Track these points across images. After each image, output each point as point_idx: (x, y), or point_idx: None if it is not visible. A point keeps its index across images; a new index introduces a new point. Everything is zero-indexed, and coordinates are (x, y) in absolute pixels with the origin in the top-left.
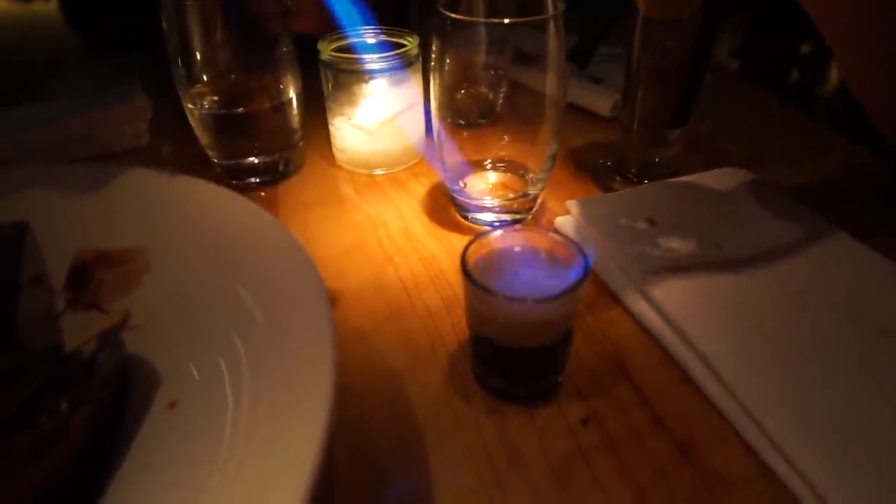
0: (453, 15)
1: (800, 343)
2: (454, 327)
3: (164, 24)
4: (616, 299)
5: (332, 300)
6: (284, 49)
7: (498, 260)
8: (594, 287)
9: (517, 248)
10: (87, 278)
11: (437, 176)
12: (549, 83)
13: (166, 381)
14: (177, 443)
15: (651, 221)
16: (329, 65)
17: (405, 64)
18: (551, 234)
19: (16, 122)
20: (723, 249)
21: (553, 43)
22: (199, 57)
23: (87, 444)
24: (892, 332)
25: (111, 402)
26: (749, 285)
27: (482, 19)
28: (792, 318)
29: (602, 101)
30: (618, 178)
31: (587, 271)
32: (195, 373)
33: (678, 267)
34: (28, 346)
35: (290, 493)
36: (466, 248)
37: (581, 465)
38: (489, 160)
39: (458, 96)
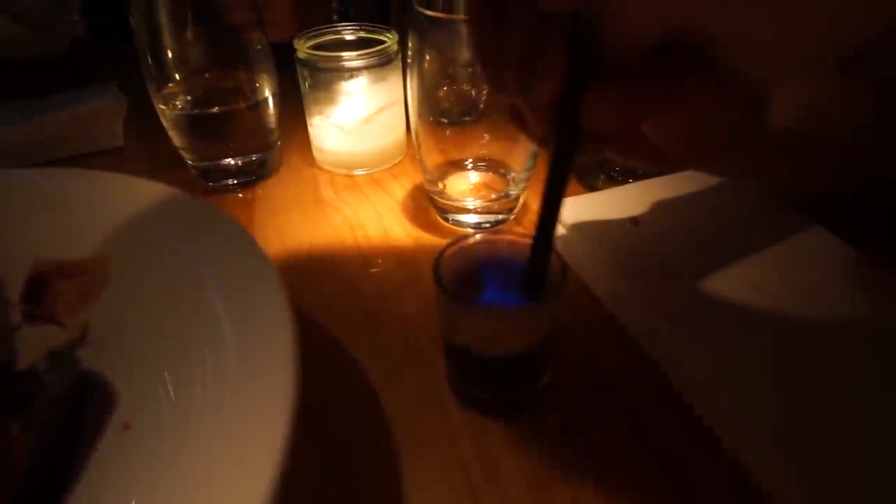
0: (428, 12)
1: (782, 351)
2: (431, 335)
3: (132, 21)
4: (599, 303)
5: (308, 308)
6: (259, 46)
7: (474, 267)
8: (577, 289)
9: (494, 255)
10: (44, 290)
11: (418, 176)
12: None
13: (124, 399)
14: (132, 467)
15: (635, 222)
16: (306, 63)
17: (384, 61)
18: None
19: None
20: (710, 249)
21: None
22: (170, 55)
23: (32, 471)
24: (858, 324)
25: (62, 423)
26: (732, 286)
27: (457, 16)
28: (776, 324)
29: None
30: (602, 176)
31: (560, 284)
32: (154, 391)
33: (661, 268)
34: None
35: None
36: (440, 255)
37: (559, 480)
38: (470, 159)
39: (440, 94)
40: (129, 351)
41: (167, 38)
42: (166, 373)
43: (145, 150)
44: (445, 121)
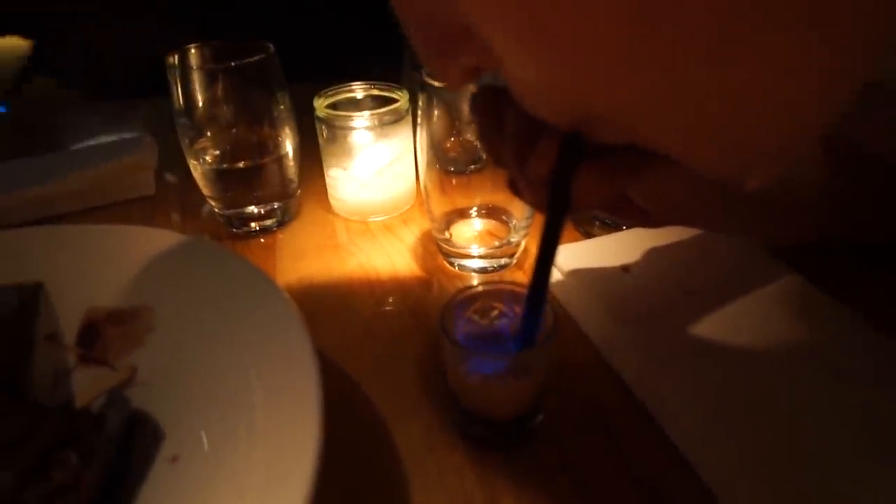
0: (437, 83)
1: (764, 392)
2: (439, 375)
3: (171, 87)
4: (592, 345)
5: (327, 349)
6: (282, 106)
7: (476, 316)
8: (573, 334)
9: (494, 305)
10: (96, 336)
11: (426, 223)
12: None
13: (169, 435)
14: (178, 496)
15: (625, 269)
16: (324, 120)
17: (396, 119)
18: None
19: (26, 174)
20: (693, 296)
21: None
22: (202, 115)
23: (96, 498)
24: (844, 374)
25: (117, 457)
26: (713, 331)
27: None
28: (751, 366)
29: None
30: (597, 223)
31: (552, 335)
32: (195, 427)
33: (649, 314)
34: (41, 401)
35: None
36: (445, 306)
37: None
38: (474, 207)
39: (447, 145)
40: (172, 391)
41: (200, 100)
42: (206, 410)
43: (175, 197)
44: (452, 169)
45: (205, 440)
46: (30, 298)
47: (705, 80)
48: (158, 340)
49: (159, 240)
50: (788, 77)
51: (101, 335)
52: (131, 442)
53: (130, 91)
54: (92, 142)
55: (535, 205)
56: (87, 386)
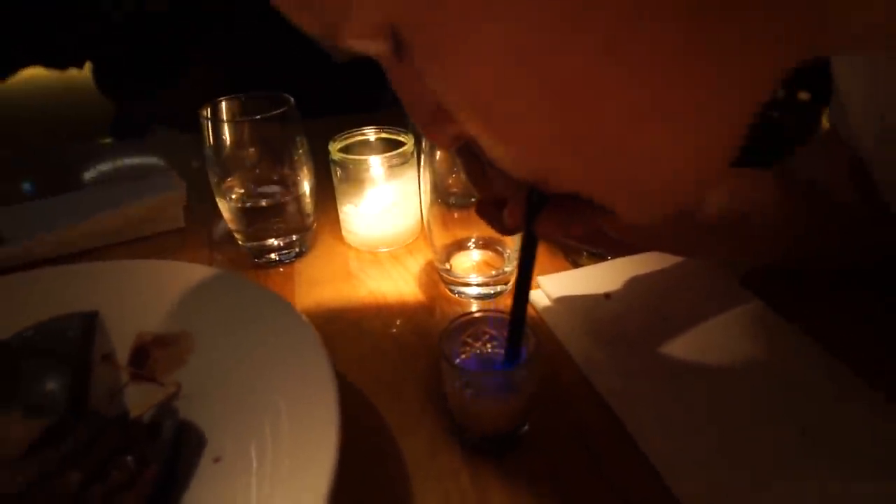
0: None
1: (726, 408)
2: (439, 391)
3: (203, 134)
4: (576, 365)
5: (341, 366)
6: (301, 150)
7: (470, 340)
8: (559, 354)
9: (486, 330)
10: (145, 357)
11: (430, 253)
12: None
13: (211, 440)
14: (221, 491)
15: (607, 296)
16: (338, 163)
17: (402, 161)
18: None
19: (66, 211)
20: (668, 321)
21: None
22: (229, 158)
23: (152, 496)
24: (818, 438)
25: (169, 458)
26: (688, 353)
27: None
28: (722, 384)
29: None
30: (585, 254)
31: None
32: (234, 433)
33: (626, 337)
34: (101, 414)
35: None
36: (444, 331)
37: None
38: (473, 239)
39: (449, 181)
40: (212, 403)
41: (229, 146)
42: (241, 419)
43: (202, 230)
44: (453, 202)
45: (241, 444)
46: (88, 325)
47: (606, 161)
48: (199, 360)
49: (196, 273)
50: (670, 154)
51: (149, 356)
52: (179, 446)
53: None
54: (125, 178)
55: (505, 232)
56: (139, 400)
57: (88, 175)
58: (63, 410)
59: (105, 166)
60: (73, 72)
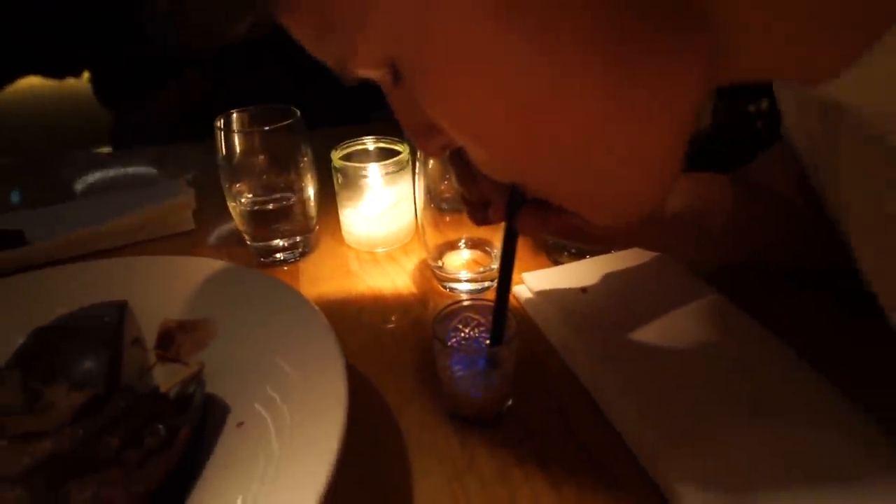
0: None
1: (682, 384)
2: (432, 372)
3: (217, 143)
4: (555, 350)
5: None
6: (305, 158)
7: (460, 324)
8: (539, 340)
9: (473, 316)
10: (170, 340)
11: (423, 253)
12: None
13: (233, 409)
14: (244, 451)
15: (584, 290)
16: (339, 169)
17: (399, 168)
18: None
19: (86, 214)
20: (636, 312)
21: None
22: (239, 165)
23: (185, 453)
24: (765, 413)
25: (199, 424)
26: (648, 338)
27: None
28: (679, 364)
29: None
30: (566, 253)
31: (514, 337)
32: (253, 402)
33: (599, 326)
34: (134, 388)
35: (311, 488)
36: (437, 316)
37: (520, 475)
38: (462, 240)
39: (441, 188)
40: (232, 379)
41: (239, 153)
42: (259, 390)
43: (210, 232)
44: (445, 207)
45: (261, 411)
46: (119, 312)
47: (568, 177)
48: (219, 343)
49: (214, 267)
50: (617, 173)
51: (174, 340)
52: (206, 414)
53: (165, 139)
54: (128, 185)
55: (482, 224)
56: (166, 378)
57: (91, 183)
58: (102, 384)
59: (106, 174)
60: (70, 81)
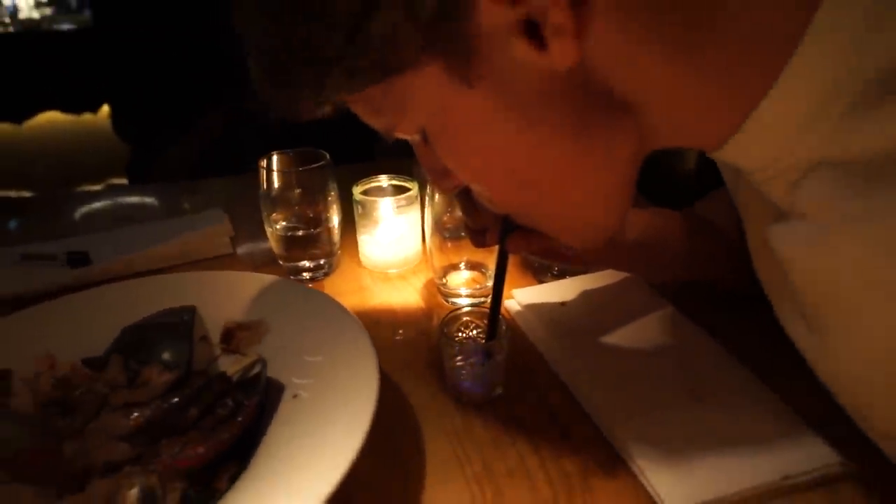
0: None
1: (640, 380)
2: (437, 367)
3: (261, 179)
4: (539, 354)
5: None
6: (332, 193)
7: (460, 326)
8: (525, 343)
9: (472, 321)
10: (231, 337)
11: (429, 273)
12: None
13: (287, 386)
14: (299, 418)
15: (563, 304)
16: (359, 202)
17: (409, 202)
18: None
19: (134, 239)
20: (605, 321)
21: None
22: (277, 197)
23: (250, 422)
24: (702, 397)
25: (262, 398)
26: (616, 343)
27: None
28: (638, 364)
29: None
30: (549, 274)
31: (506, 334)
32: (303, 380)
33: (576, 334)
34: (206, 372)
35: (352, 442)
36: (444, 318)
37: (509, 441)
38: (463, 262)
39: (445, 219)
40: (285, 364)
41: (278, 188)
42: (309, 372)
43: (246, 256)
44: (448, 234)
45: (311, 386)
46: (190, 315)
47: (548, 211)
48: (272, 338)
49: (264, 280)
50: (583, 210)
51: (234, 336)
52: (267, 390)
53: (184, 174)
54: (176, 213)
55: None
56: (229, 366)
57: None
58: (185, 367)
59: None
60: (87, 116)
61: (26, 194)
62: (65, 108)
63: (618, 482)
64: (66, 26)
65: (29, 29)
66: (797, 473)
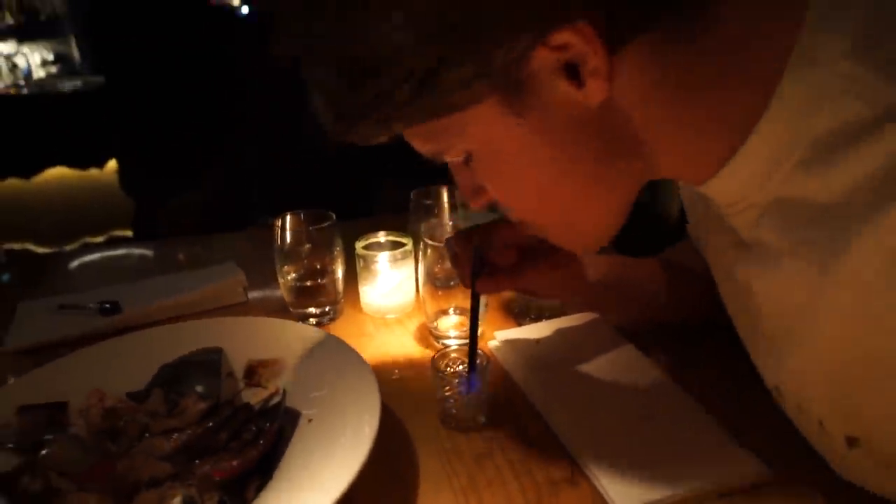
0: (431, 242)
1: (600, 405)
2: (430, 398)
3: (275, 236)
4: (517, 384)
5: None
6: (337, 248)
7: (448, 363)
8: (504, 376)
9: (458, 358)
10: (253, 372)
11: (422, 318)
12: None
13: (303, 413)
14: (313, 438)
15: (537, 341)
16: (361, 256)
17: (404, 256)
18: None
19: (158, 290)
20: (572, 358)
21: None
22: (289, 251)
23: (272, 443)
24: (649, 418)
25: (280, 424)
26: (583, 374)
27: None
28: (599, 391)
29: None
30: (527, 318)
31: (486, 367)
32: (319, 408)
33: (548, 367)
34: (232, 403)
35: (357, 457)
36: (434, 356)
37: (488, 458)
38: (452, 307)
39: (436, 269)
40: (302, 396)
41: (290, 243)
42: (322, 401)
43: (258, 303)
44: (439, 283)
45: (323, 413)
46: (218, 354)
47: (561, 218)
48: (290, 374)
49: (281, 324)
50: (592, 220)
51: (256, 372)
52: (286, 417)
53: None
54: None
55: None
56: (252, 398)
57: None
58: (216, 398)
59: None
60: (93, 171)
61: (33, 247)
62: (72, 164)
63: (579, 490)
64: (72, 84)
65: (41, 90)
66: (727, 481)
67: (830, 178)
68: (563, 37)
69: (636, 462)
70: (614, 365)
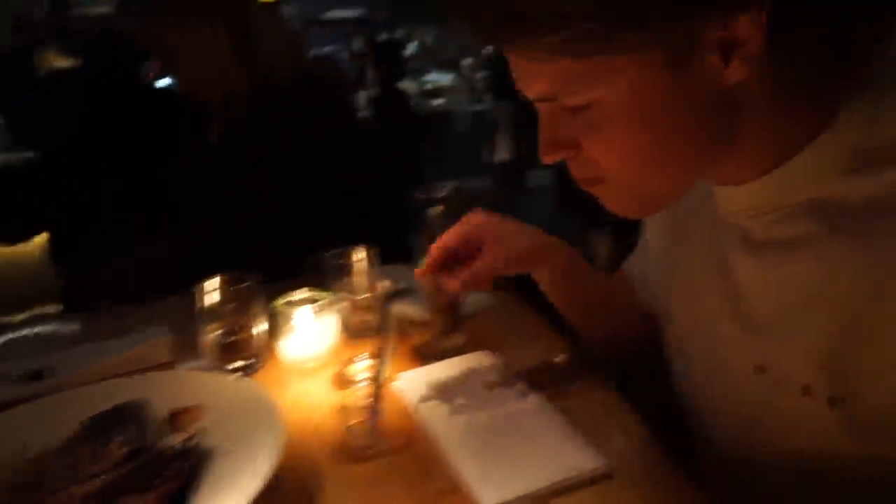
0: (346, 296)
1: (485, 429)
2: (339, 436)
3: (198, 298)
4: (412, 415)
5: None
6: (259, 306)
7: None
8: (404, 410)
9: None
10: (176, 419)
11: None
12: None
13: (216, 457)
14: (222, 472)
15: (438, 379)
16: (280, 312)
17: (321, 309)
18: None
19: (82, 357)
20: (464, 388)
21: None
22: (213, 312)
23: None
24: (517, 433)
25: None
26: (472, 403)
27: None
28: (485, 417)
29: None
30: (432, 358)
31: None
32: (231, 445)
33: (443, 399)
34: (154, 445)
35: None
36: (342, 398)
37: (385, 476)
38: (363, 354)
39: (351, 321)
40: (214, 441)
41: (214, 305)
42: (235, 440)
43: (183, 360)
44: (351, 334)
45: (238, 446)
46: (143, 405)
47: (645, 173)
48: (209, 417)
49: (200, 376)
50: (673, 173)
51: (177, 418)
52: (199, 457)
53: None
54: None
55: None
56: (174, 440)
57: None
58: (142, 443)
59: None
60: (21, 247)
61: None
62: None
63: (455, 496)
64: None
65: None
66: (575, 475)
67: (864, 181)
68: (741, 21)
69: (501, 468)
70: (499, 394)
